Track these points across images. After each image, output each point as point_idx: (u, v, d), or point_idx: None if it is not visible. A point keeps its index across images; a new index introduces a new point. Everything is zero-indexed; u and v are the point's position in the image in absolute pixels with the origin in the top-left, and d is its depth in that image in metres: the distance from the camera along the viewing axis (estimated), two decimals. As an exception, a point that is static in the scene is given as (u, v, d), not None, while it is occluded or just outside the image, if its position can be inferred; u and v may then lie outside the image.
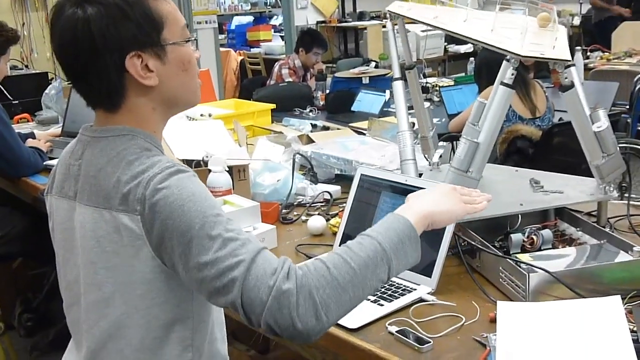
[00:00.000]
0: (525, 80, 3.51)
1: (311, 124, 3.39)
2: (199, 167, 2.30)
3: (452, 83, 4.75)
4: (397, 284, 1.65)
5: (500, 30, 1.74)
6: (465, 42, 7.35)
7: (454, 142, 3.71)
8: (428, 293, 1.61)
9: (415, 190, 1.45)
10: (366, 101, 4.36)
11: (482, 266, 1.70)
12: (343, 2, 9.30)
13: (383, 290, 1.62)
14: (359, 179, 1.89)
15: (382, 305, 1.56)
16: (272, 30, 9.73)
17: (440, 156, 2.22)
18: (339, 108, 4.40)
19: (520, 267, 1.55)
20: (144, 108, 1.26)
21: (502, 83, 1.72)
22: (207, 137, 2.67)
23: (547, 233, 1.79)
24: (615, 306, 1.37)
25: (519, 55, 1.65)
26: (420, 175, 2.00)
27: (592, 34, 7.67)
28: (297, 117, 3.93)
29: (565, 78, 1.74)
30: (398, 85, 2.02)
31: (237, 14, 10.36)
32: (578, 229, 1.85)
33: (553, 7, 1.79)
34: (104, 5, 1.18)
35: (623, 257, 1.66)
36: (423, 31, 6.89)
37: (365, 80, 4.80)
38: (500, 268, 1.60)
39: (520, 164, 2.83)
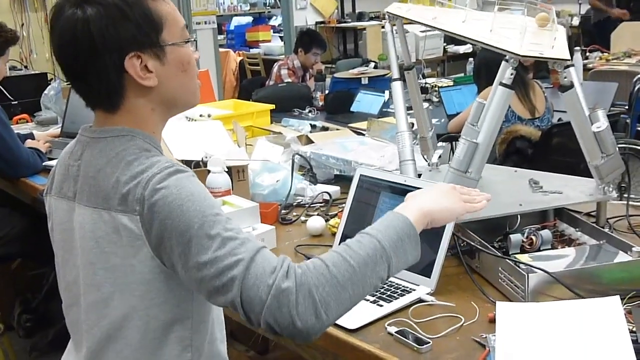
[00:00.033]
0: (524, 81, 3.51)
1: (310, 124, 3.39)
2: (198, 167, 2.30)
3: (452, 83, 4.76)
4: (397, 284, 1.65)
5: (499, 31, 1.74)
6: (464, 43, 7.35)
7: (453, 143, 3.71)
8: (427, 293, 1.61)
9: (414, 191, 1.45)
10: (365, 102, 4.36)
11: (482, 267, 1.70)
12: (342, 3, 9.30)
13: (382, 290, 1.62)
14: (358, 180, 1.89)
15: (381, 305, 1.56)
16: (272, 30, 9.72)
17: (440, 157, 2.22)
18: (338, 108, 4.40)
19: (519, 267, 1.55)
20: (143, 109, 1.26)
21: (501, 83, 1.72)
22: (206, 137, 2.67)
23: (546, 233, 1.79)
24: (614, 306, 1.37)
25: (518, 54, 1.65)
26: (420, 175, 2.00)
27: (591, 34, 7.66)
28: (296, 118, 3.93)
29: (565, 78, 1.74)
30: (397, 86, 2.03)
31: (236, 15, 10.36)
32: (577, 229, 1.85)
33: (552, 7, 1.79)
34: (103, 5, 1.18)
35: (622, 257, 1.66)
36: (422, 32, 6.90)
37: (365, 81, 4.80)
38: (500, 268, 1.60)
39: (520, 164, 2.83)
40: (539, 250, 1.76)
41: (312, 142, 2.87)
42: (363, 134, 3.07)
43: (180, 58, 1.26)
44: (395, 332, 1.45)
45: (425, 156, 2.22)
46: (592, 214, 1.98)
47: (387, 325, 1.48)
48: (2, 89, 3.97)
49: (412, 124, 2.12)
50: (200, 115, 3.09)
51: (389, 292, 1.61)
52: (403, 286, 1.64)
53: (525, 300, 1.50)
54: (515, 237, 1.75)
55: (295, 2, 8.64)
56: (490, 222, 1.80)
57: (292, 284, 1.10)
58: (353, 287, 1.15)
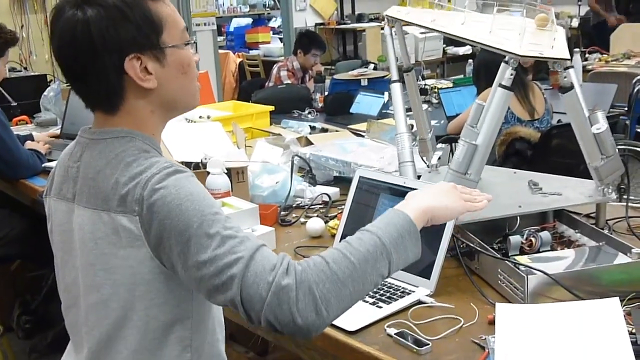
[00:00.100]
0: (523, 82, 3.51)
1: (310, 125, 3.39)
2: (198, 169, 2.30)
3: (451, 85, 4.76)
4: (396, 286, 1.65)
5: (499, 32, 1.74)
6: (463, 44, 7.36)
7: (453, 144, 3.72)
8: (427, 295, 1.61)
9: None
10: (365, 103, 4.36)
11: (481, 268, 1.70)
12: (342, 4, 9.30)
13: (382, 292, 1.62)
14: (358, 181, 1.89)
15: (380, 307, 1.56)
16: (271, 32, 9.73)
17: (439, 158, 2.21)
18: (338, 110, 4.40)
19: (518, 269, 1.55)
20: (142, 110, 1.26)
21: (500, 85, 1.72)
22: (206, 139, 2.67)
23: (545, 235, 1.79)
24: (613, 308, 1.37)
25: (517, 55, 1.65)
26: (419, 177, 2.00)
27: (590, 35, 7.66)
28: (296, 119, 3.93)
29: (565, 78, 1.74)
30: (396, 88, 2.03)
31: (235, 16, 10.36)
32: (577, 230, 1.85)
33: (551, 8, 1.79)
34: (103, 7, 1.18)
35: (621, 259, 1.66)
36: (422, 33, 6.90)
37: (364, 82, 4.80)
38: (499, 270, 1.60)
39: (519, 165, 2.84)
40: (538, 251, 1.76)
41: (312, 143, 2.87)
42: (362, 136, 3.07)
43: (180, 60, 1.27)
44: (394, 334, 1.45)
45: (423, 158, 2.22)
46: (592, 215, 1.98)
47: (387, 326, 1.48)
48: (2, 91, 3.97)
49: (412, 126, 2.12)
50: (200, 117, 3.09)
51: (388, 294, 1.61)
52: (402, 288, 1.64)
53: (525, 301, 1.50)
54: (515, 239, 1.75)
55: (294, 4, 8.65)
56: (489, 223, 1.80)
57: (292, 281, 1.10)
58: (353, 284, 1.15)
